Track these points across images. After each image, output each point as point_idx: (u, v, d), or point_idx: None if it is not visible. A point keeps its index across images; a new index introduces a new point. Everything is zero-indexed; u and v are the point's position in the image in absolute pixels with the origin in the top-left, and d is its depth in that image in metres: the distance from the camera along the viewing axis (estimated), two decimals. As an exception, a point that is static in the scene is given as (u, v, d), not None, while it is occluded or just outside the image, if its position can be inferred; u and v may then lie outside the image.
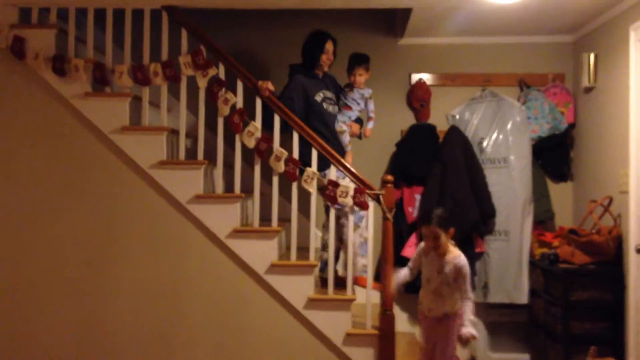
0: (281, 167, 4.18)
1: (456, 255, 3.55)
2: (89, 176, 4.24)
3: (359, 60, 4.60)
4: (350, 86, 4.64)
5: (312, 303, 4.12)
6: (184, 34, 4.29)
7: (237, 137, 4.25)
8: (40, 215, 4.25)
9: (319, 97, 4.44)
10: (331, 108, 4.53)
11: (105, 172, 4.23)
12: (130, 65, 4.28)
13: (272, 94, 4.23)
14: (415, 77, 5.29)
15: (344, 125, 4.56)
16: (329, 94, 4.53)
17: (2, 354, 4.23)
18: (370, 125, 4.62)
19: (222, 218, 4.18)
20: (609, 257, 4.23)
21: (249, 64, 4.51)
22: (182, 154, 4.28)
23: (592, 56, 4.75)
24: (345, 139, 4.54)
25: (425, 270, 3.68)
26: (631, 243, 4.07)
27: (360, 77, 4.58)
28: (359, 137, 4.71)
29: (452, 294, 3.54)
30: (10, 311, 4.25)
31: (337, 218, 4.27)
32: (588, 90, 4.88)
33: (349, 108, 4.60)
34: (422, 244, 3.67)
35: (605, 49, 4.59)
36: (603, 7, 4.40)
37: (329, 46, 4.49)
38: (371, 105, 4.63)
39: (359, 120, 4.70)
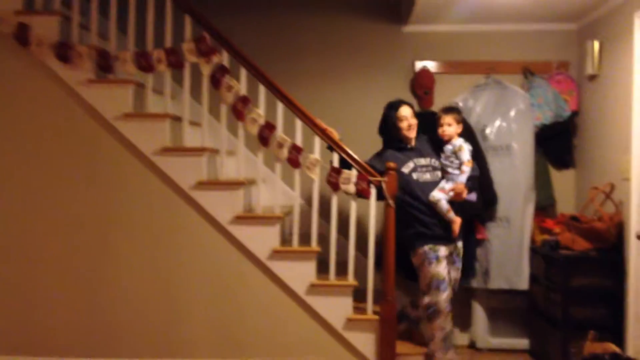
0: (284, 154, 4.20)
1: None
2: (92, 163, 4.27)
3: (446, 110, 4.36)
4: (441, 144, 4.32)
5: (313, 289, 4.17)
6: (188, 20, 4.29)
7: (240, 125, 4.28)
8: (43, 201, 4.29)
9: (406, 169, 4.24)
10: (428, 175, 4.25)
11: (108, 159, 4.26)
12: (133, 52, 4.30)
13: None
14: (419, 65, 5.29)
15: (437, 193, 4.16)
16: (422, 162, 4.28)
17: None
18: (461, 178, 4.16)
19: (225, 205, 4.21)
20: (610, 243, 4.25)
21: (253, 51, 4.51)
22: (185, 141, 4.31)
23: (596, 44, 4.74)
24: (443, 207, 4.14)
25: None
26: (632, 230, 4.09)
27: (450, 127, 4.27)
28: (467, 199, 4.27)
29: None
30: (9, 298, 4.30)
31: None
32: (592, 78, 4.88)
33: (447, 172, 4.25)
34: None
35: (610, 37, 4.58)
36: (607, -6, 4.39)
37: (404, 112, 4.28)
38: (463, 156, 4.19)
39: (470, 180, 4.26)
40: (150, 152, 4.22)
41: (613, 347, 3.19)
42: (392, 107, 4.33)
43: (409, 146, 4.33)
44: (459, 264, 4.31)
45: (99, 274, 4.27)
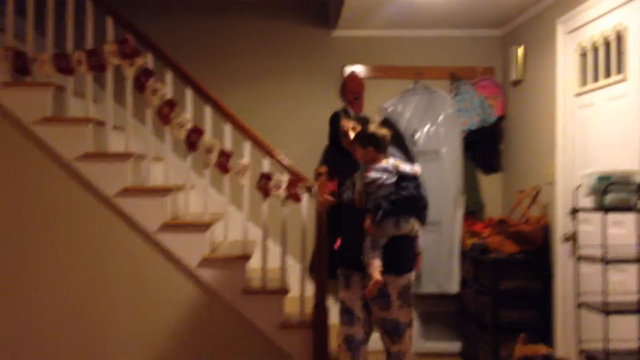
0: (213, 159, 4.10)
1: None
2: (9, 169, 4.06)
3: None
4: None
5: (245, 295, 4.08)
6: (110, 21, 4.14)
7: (167, 129, 4.15)
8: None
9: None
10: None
11: (27, 165, 4.05)
12: (52, 54, 4.10)
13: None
14: (348, 70, 5.28)
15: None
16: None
17: None
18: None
19: (152, 212, 4.07)
20: (537, 246, 4.32)
21: (181, 55, 4.40)
22: (109, 146, 4.14)
23: (520, 49, 4.85)
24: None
25: None
26: (558, 232, 4.18)
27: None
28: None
29: None
30: None
31: None
32: (516, 83, 4.98)
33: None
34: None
35: (533, 43, 4.68)
36: (531, 0, 4.48)
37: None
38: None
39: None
40: (72, 157, 4.03)
41: (544, 349, 3.23)
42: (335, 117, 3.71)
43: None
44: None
45: (17, 284, 4.06)
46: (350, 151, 3.46)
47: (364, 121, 3.54)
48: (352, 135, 3.45)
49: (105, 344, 4.08)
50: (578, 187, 3.42)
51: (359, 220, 3.24)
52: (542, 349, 3.20)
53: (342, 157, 3.62)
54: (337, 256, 3.56)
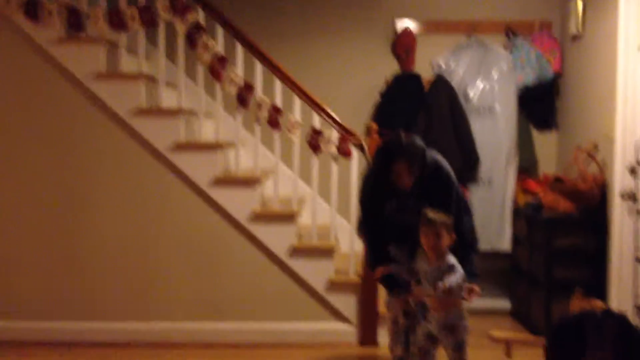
0: (263, 115, 4.10)
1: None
2: (65, 123, 4.15)
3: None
4: None
5: (295, 251, 4.11)
6: (161, -24, 4.15)
7: (218, 86, 4.16)
8: (15, 163, 4.17)
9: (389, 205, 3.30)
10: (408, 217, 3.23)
11: (81, 119, 4.14)
12: (105, 10, 4.13)
13: None
14: (399, 23, 5.17)
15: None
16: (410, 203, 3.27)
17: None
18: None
19: (203, 167, 4.12)
20: (594, 204, 4.22)
21: (230, 11, 4.39)
22: (161, 103, 4.18)
23: (580, 3, 4.66)
24: None
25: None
26: (616, 189, 4.06)
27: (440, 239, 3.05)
28: None
29: None
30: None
31: None
32: (575, 38, 4.81)
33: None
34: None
35: (594, -5, 4.50)
36: (592, -50, 4.30)
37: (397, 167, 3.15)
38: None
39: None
40: (125, 113, 4.09)
41: (600, 304, 3.17)
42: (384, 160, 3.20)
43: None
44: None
45: (75, 236, 4.18)
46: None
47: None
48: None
49: (157, 297, 4.19)
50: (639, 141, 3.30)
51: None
52: (598, 304, 3.14)
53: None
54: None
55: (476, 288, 3.06)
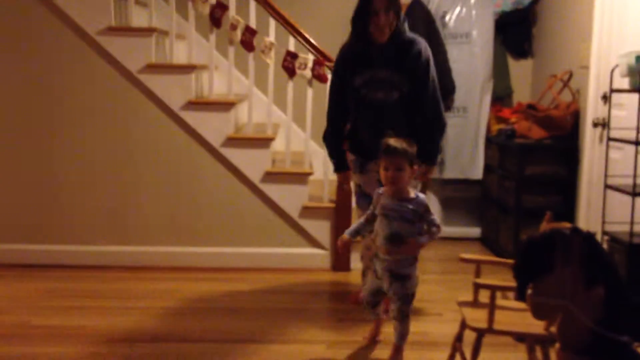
0: (237, 35, 4.01)
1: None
2: (36, 46, 4.06)
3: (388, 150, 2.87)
4: None
5: (269, 176, 4.10)
6: None
7: (190, 5, 4.05)
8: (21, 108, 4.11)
9: (360, 79, 3.19)
10: (381, 94, 3.17)
11: (51, 41, 4.03)
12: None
13: None
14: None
15: None
16: (381, 74, 3.16)
17: None
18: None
19: (176, 90, 4.04)
20: (566, 132, 4.25)
21: None
22: (131, 21, 4.06)
23: None
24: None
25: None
26: (588, 117, 4.08)
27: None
28: None
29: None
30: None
31: None
32: (554, -37, 4.73)
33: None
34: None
35: None
36: None
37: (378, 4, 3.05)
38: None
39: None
40: (93, 31, 3.97)
41: (569, 225, 3.22)
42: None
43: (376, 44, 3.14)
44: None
45: (49, 160, 4.14)
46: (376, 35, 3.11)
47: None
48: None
49: (129, 218, 4.18)
50: (614, 68, 3.31)
51: (375, 115, 3.15)
52: (567, 225, 3.20)
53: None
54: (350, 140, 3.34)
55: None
